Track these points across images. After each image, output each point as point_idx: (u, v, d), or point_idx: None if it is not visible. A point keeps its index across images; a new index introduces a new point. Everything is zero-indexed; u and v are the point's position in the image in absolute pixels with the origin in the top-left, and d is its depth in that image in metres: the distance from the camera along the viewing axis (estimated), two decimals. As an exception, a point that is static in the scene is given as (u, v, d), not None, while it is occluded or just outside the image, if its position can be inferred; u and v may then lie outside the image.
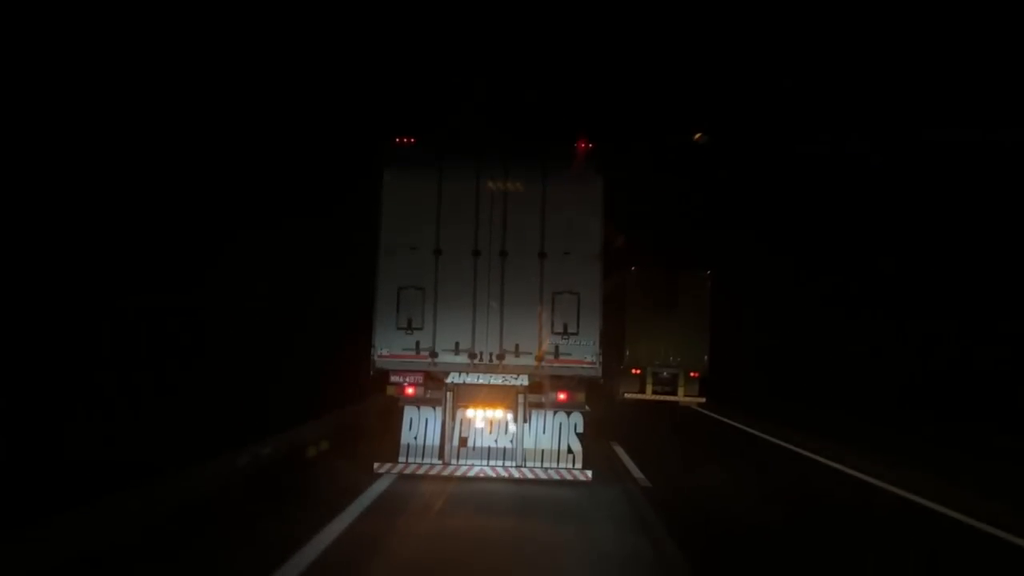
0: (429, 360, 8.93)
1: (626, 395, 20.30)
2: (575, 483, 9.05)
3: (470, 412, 9.27)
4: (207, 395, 11.26)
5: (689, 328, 20.22)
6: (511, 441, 9.23)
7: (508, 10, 17.75)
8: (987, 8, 17.31)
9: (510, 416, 9.23)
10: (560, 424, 9.26)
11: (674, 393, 20.34)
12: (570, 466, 9.13)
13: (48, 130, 12.00)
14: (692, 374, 20.26)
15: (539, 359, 8.93)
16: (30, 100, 11.73)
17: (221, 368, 12.64)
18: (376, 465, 9.01)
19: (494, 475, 9.05)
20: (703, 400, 20.38)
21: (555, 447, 9.21)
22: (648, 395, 20.30)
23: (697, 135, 20.98)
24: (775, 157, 22.31)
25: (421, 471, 9.01)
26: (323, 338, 16.05)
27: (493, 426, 9.29)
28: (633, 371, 20.40)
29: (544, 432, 9.25)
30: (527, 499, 8.48)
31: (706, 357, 20.21)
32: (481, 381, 9.10)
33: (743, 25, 18.82)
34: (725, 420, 18.60)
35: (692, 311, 20.28)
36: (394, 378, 9.08)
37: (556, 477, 9.08)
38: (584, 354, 8.95)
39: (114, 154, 13.12)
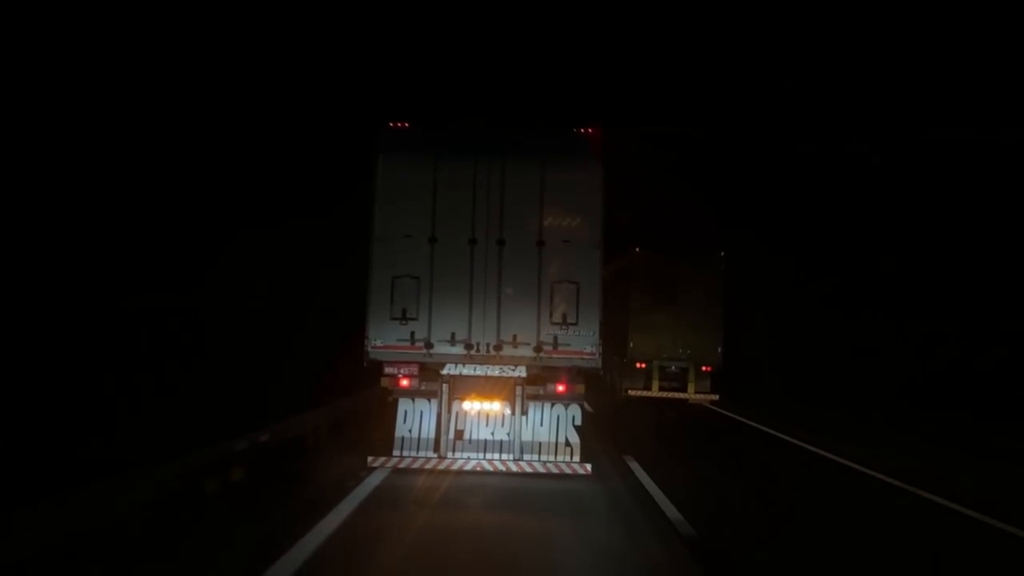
0: (424, 351, 8.74)
1: (630, 392, 18.19)
2: (575, 476, 8.82)
3: (466, 404, 9.04)
4: (207, 395, 11.25)
5: (700, 317, 17.86)
6: (508, 434, 8.99)
7: (509, 9, 17.84)
8: (987, 8, 17.36)
9: (507, 408, 9.01)
10: (558, 416, 9.06)
11: (683, 390, 18.06)
12: (568, 459, 8.91)
13: (49, 131, 12.07)
14: (704, 368, 17.98)
15: (537, 350, 8.75)
16: (31, 101, 11.80)
17: (221, 368, 12.63)
18: (370, 459, 8.80)
19: (491, 469, 8.83)
20: (716, 397, 18.09)
21: (553, 440, 9.00)
22: (654, 392, 18.05)
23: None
24: (775, 157, 22.25)
25: (416, 465, 8.81)
26: (323, 338, 16.05)
27: (490, 418, 9.07)
28: (637, 365, 18.07)
29: (542, 424, 9.04)
30: (527, 492, 8.35)
31: (719, 349, 17.90)
32: (478, 372, 8.89)
33: (744, 25, 18.90)
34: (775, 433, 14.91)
35: (704, 298, 17.90)
36: (388, 370, 8.85)
37: (555, 471, 8.83)
38: (583, 345, 8.77)
39: (114, 155, 13.19)
